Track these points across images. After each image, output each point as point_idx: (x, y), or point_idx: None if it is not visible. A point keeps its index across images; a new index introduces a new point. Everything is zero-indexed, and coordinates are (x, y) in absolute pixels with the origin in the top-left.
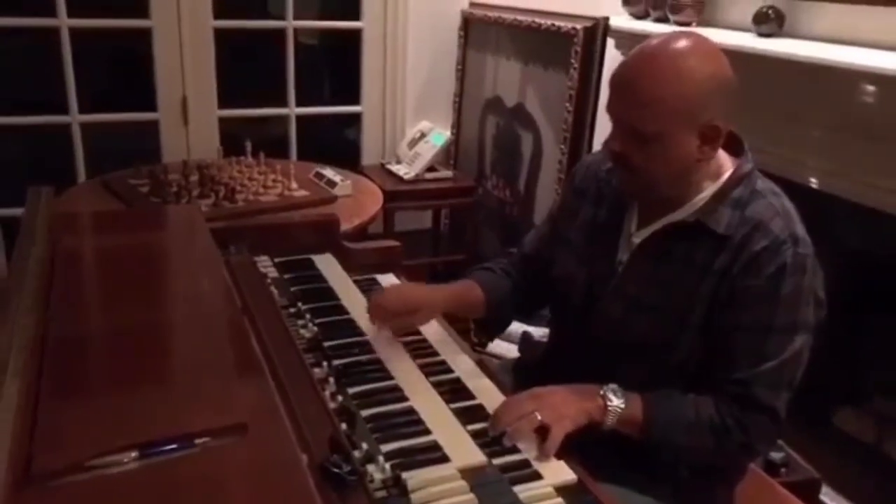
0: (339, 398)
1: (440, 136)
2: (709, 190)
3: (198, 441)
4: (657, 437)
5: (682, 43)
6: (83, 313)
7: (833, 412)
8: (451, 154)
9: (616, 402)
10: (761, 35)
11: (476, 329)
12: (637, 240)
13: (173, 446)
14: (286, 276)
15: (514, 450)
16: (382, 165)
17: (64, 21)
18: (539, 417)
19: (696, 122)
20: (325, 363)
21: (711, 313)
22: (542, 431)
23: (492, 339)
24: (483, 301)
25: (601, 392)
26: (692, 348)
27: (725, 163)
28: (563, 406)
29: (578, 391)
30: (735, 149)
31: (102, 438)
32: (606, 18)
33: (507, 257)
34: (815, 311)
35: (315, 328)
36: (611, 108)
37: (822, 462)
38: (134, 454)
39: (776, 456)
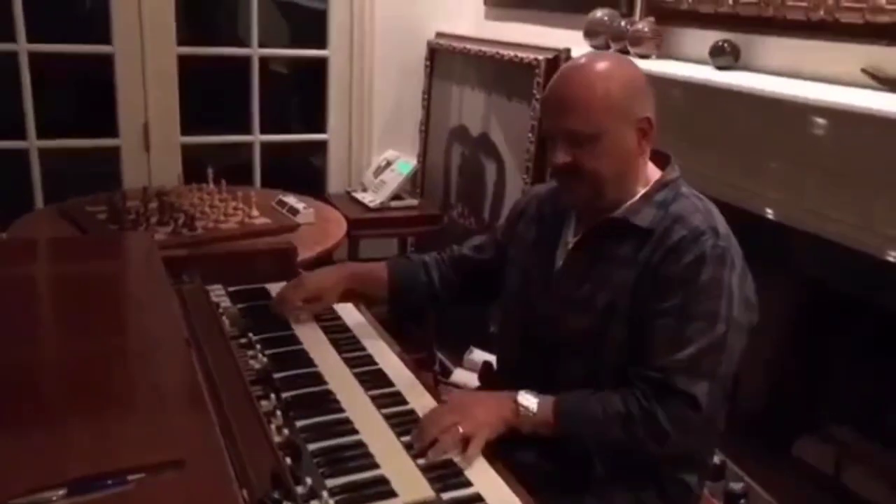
0: (286, 431)
1: (406, 164)
2: (638, 195)
3: (131, 477)
4: (566, 435)
5: (600, 56)
6: (17, 343)
7: (792, 441)
8: (416, 182)
9: (527, 405)
10: (718, 68)
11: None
12: (571, 245)
13: (105, 483)
14: (239, 306)
15: (465, 484)
16: (348, 193)
17: (23, 46)
18: (461, 430)
19: (631, 117)
20: (272, 395)
21: (634, 304)
22: (465, 440)
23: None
24: (386, 283)
25: (515, 398)
26: (622, 342)
27: (654, 173)
28: (482, 415)
29: (495, 398)
30: (662, 163)
31: (28, 475)
32: (568, 50)
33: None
34: (744, 312)
35: (265, 359)
36: (551, 125)
37: (782, 492)
38: (62, 492)
39: (736, 487)
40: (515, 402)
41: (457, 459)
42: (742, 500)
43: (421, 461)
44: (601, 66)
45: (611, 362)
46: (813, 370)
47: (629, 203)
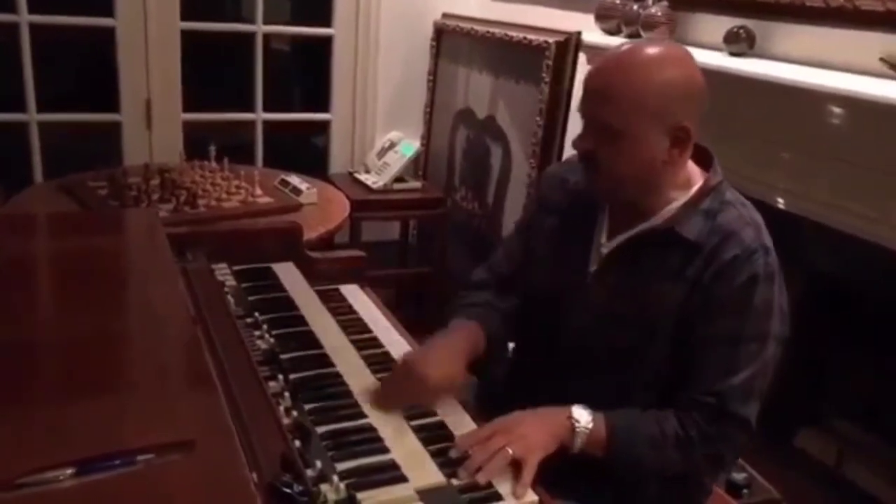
0: (294, 413)
1: (409, 146)
2: (678, 200)
3: (140, 458)
4: (622, 456)
5: (657, 46)
6: (22, 319)
7: (795, 433)
8: (420, 165)
9: (583, 423)
10: (732, 54)
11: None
12: (606, 250)
13: (113, 463)
14: (244, 285)
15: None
16: (350, 174)
17: (24, 17)
18: (511, 452)
19: (666, 121)
20: (280, 376)
21: (682, 323)
22: (515, 463)
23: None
24: (485, 342)
25: (568, 414)
26: (662, 360)
27: (695, 175)
28: (532, 436)
29: (545, 416)
30: (704, 162)
31: (36, 454)
32: (579, 33)
33: (484, 287)
34: (785, 325)
35: (272, 340)
36: (583, 107)
37: (784, 483)
38: (70, 471)
39: (738, 477)
40: (570, 418)
41: (506, 490)
42: (744, 491)
43: (431, 446)
44: (651, 58)
45: (646, 384)
46: (816, 362)
47: (673, 210)
